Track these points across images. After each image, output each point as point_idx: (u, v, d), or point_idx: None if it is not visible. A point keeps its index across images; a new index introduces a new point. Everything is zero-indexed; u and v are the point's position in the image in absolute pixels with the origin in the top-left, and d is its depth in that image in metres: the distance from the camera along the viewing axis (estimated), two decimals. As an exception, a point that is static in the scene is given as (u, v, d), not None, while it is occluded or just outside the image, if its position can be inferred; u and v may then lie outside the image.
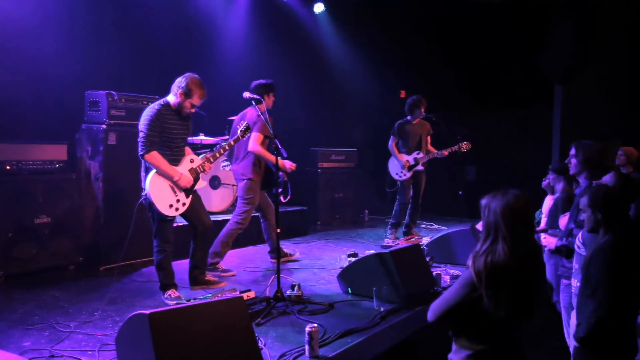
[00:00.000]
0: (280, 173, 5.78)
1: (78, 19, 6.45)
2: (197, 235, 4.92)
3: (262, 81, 5.90)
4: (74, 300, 4.70)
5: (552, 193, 5.63)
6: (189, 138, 5.50)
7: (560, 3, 8.80)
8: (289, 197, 6.08)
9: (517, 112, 9.80)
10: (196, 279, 4.94)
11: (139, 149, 4.50)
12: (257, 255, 6.65)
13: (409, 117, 7.50)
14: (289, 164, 5.80)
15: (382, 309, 4.43)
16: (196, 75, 4.73)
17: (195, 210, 4.83)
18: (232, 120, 8.00)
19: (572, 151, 4.35)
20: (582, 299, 3.17)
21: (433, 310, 2.75)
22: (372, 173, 9.77)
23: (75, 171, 5.80)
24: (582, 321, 3.11)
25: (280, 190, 5.78)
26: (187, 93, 4.65)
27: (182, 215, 4.77)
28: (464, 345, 2.73)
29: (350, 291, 5.00)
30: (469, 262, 2.67)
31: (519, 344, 2.78)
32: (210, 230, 4.99)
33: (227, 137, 7.83)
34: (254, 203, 5.95)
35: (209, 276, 4.99)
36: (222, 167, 7.59)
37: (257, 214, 6.26)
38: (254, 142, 5.71)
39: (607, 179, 3.75)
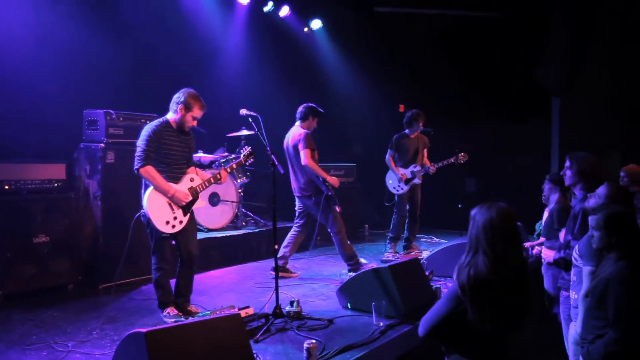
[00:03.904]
0: (324, 188, 6.22)
1: (76, 38, 6.50)
2: (182, 262, 4.82)
3: (314, 105, 6.51)
4: (72, 320, 4.69)
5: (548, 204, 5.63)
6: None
7: (557, 16, 8.85)
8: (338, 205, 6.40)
9: (516, 125, 9.81)
10: (180, 307, 4.79)
11: (135, 163, 4.52)
12: (257, 271, 6.64)
13: (407, 131, 7.54)
14: (336, 180, 6.29)
15: (381, 324, 4.41)
16: (192, 89, 4.77)
17: (186, 236, 4.76)
18: (230, 137, 8.11)
19: (567, 163, 4.37)
20: (592, 321, 3.15)
21: (423, 325, 2.76)
22: (371, 187, 9.74)
23: (73, 190, 5.80)
24: (594, 342, 3.08)
25: (332, 203, 6.25)
26: (187, 107, 4.68)
27: (172, 236, 4.71)
28: (455, 358, 2.74)
29: (349, 306, 4.98)
30: (454, 275, 2.68)
31: (508, 357, 2.76)
32: (195, 258, 4.87)
33: (226, 154, 7.88)
34: (331, 209, 6.26)
35: (192, 306, 4.88)
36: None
37: (291, 224, 6.66)
38: (305, 157, 6.14)
39: (601, 190, 3.74)
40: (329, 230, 6.37)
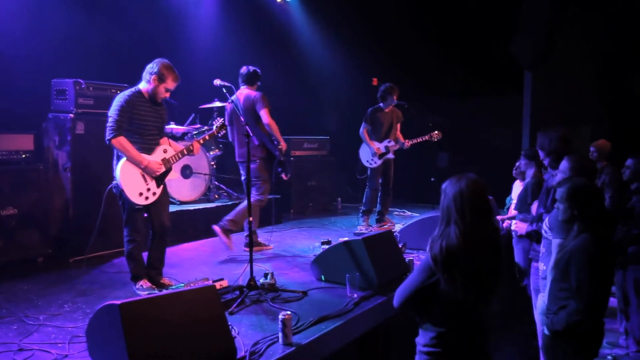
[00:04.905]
0: (277, 153, 6.05)
1: (45, 6, 6.30)
2: (154, 234, 4.78)
3: (258, 70, 6.24)
4: (43, 293, 4.62)
5: (523, 179, 5.72)
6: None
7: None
8: (290, 174, 6.31)
9: (488, 99, 9.90)
10: (153, 279, 4.76)
11: (106, 133, 4.43)
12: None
13: (381, 104, 7.52)
14: (284, 145, 6.12)
15: (355, 295, 4.45)
16: (166, 60, 4.69)
17: (159, 208, 4.71)
18: (203, 109, 7.99)
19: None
20: (557, 292, 3.22)
21: (397, 296, 2.81)
22: (344, 161, 9.77)
23: (42, 161, 5.68)
24: (558, 313, 3.16)
25: (280, 170, 6.12)
26: (160, 77, 4.60)
27: (145, 208, 4.65)
28: (428, 328, 2.79)
29: (323, 278, 5.01)
30: (427, 247, 2.73)
31: (481, 326, 2.82)
32: (168, 230, 4.83)
33: (198, 125, 7.78)
34: (267, 180, 6.19)
35: (165, 279, 4.86)
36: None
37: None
38: (267, 116, 5.97)
39: (563, 165, 3.81)
40: (254, 193, 6.11)
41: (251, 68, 6.27)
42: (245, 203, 6.05)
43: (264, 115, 5.97)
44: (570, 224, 3.25)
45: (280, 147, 6.05)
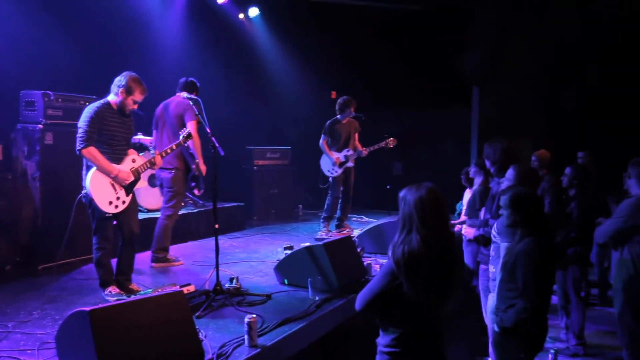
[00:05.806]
0: (193, 166, 5.99)
1: (12, 17, 6.35)
2: (124, 241, 4.89)
3: (195, 81, 6.18)
4: (11, 300, 4.65)
5: (470, 186, 6.04)
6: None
7: (477, 9, 9.30)
8: (202, 190, 6.25)
9: (439, 112, 10.31)
10: (121, 285, 4.85)
11: (77, 144, 4.52)
12: (196, 250, 6.75)
13: (339, 116, 7.75)
14: (204, 167, 5.98)
15: (317, 298, 4.63)
16: (134, 73, 4.82)
17: (128, 216, 4.83)
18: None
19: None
20: (505, 292, 3.48)
21: (359, 299, 2.93)
22: (305, 170, 10.01)
23: (11, 171, 5.70)
24: (507, 311, 3.41)
25: (193, 184, 6.06)
26: (128, 90, 4.73)
27: (114, 216, 4.74)
28: (388, 329, 2.92)
29: (286, 282, 5.18)
30: (389, 253, 2.85)
31: (437, 325, 2.98)
32: (137, 237, 4.95)
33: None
34: (181, 193, 6.11)
35: (134, 285, 4.95)
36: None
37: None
38: (193, 129, 5.74)
39: (509, 173, 4.14)
40: (163, 208, 6.10)
41: (189, 78, 6.24)
42: (157, 228, 6.04)
43: (191, 126, 5.76)
44: (514, 229, 3.51)
45: (197, 161, 5.92)
